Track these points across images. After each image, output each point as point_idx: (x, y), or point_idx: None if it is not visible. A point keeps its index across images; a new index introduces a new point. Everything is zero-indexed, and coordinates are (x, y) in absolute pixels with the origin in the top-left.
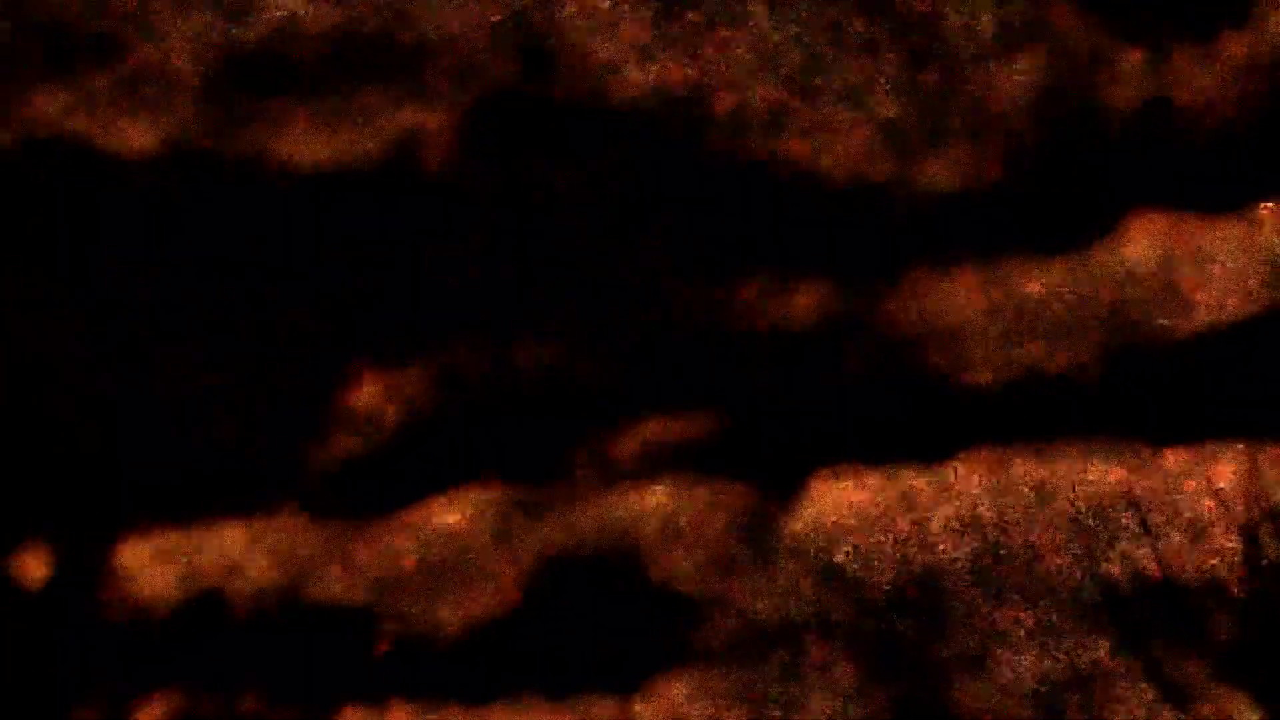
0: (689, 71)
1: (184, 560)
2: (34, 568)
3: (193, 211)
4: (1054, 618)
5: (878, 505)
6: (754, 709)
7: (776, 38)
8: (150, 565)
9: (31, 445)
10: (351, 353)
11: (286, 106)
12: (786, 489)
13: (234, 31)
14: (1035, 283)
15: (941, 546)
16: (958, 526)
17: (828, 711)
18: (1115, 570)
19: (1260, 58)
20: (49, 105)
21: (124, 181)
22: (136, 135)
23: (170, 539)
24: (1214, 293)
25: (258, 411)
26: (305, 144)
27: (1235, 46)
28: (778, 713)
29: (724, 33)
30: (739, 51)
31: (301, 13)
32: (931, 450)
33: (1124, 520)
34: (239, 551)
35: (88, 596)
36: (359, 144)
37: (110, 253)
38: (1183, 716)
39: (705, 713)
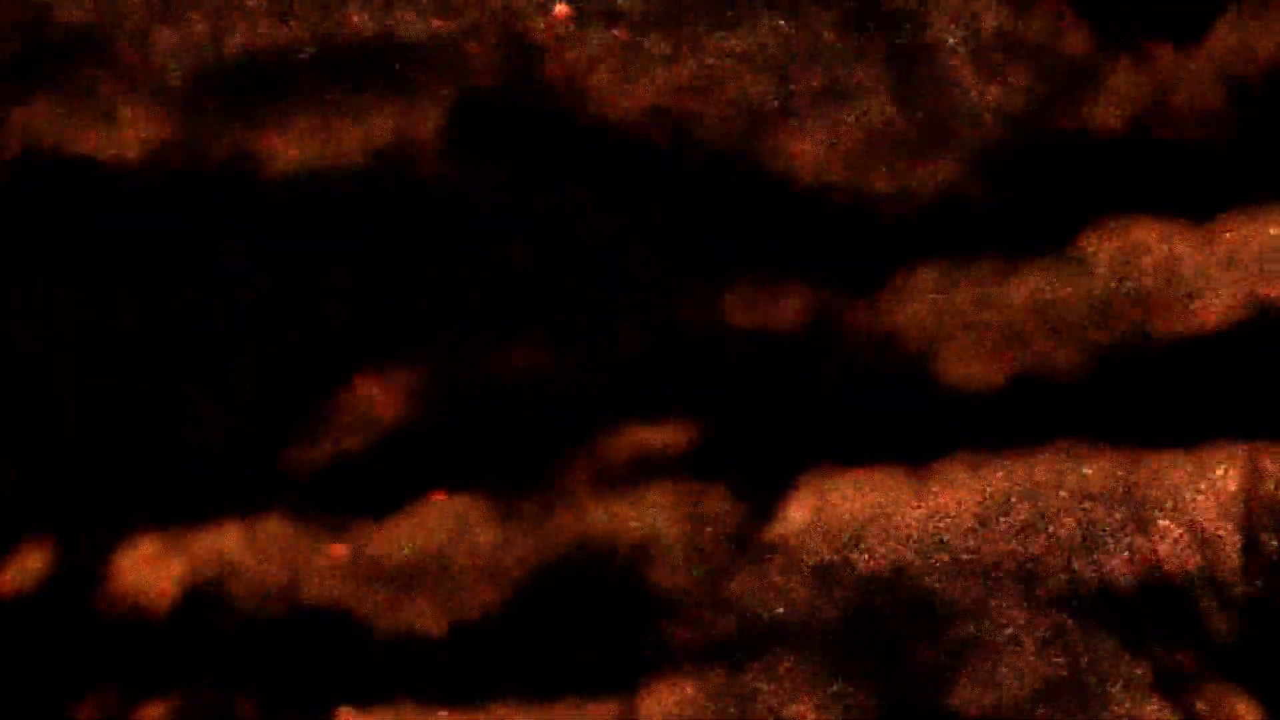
0: (678, 75)
1: (182, 561)
2: (33, 568)
3: (186, 214)
4: (1050, 618)
5: (868, 507)
6: (746, 711)
7: (766, 46)
8: (149, 566)
9: (30, 446)
10: (345, 355)
11: (275, 111)
12: (775, 492)
13: (221, 36)
14: (1028, 285)
15: (934, 548)
16: (950, 528)
17: (820, 713)
18: (1112, 570)
19: (1244, 62)
20: (33, 110)
21: (116, 184)
22: (131, 137)
23: (169, 540)
24: (1209, 295)
25: (254, 413)
26: (294, 148)
27: (1218, 51)
28: (770, 715)
29: (713, 40)
30: (728, 58)
31: (287, 18)
32: (923, 452)
33: (1121, 520)
34: (237, 552)
35: (86, 597)
36: (347, 149)
37: (108, 254)
38: (1181, 716)
39: (698, 714)
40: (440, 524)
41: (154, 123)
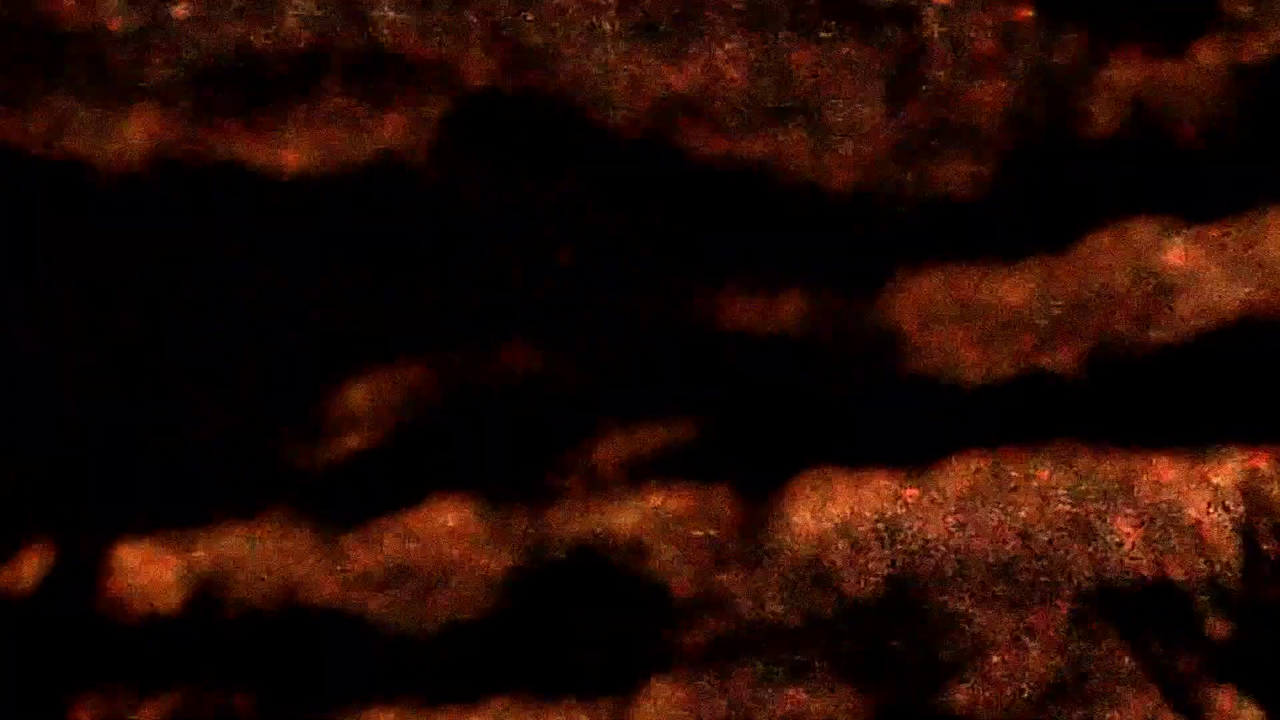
0: (675, 79)
1: (181, 561)
2: (32, 569)
3: (186, 214)
4: (1049, 619)
5: (867, 508)
6: (743, 711)
7: (766, 51)
8: (148, 566)
9: (30, 446)
10: (345, 355)
11: (275, 113)
12: (774, 493)
13: (216, 40)
14: (1025, 286)
15: (932, 549)
16: (948, 529)
17: (818, 714)
18: (1111, 571)
19: (1234, 64)
20: (33, 111)
21: (116, 184)
22: (131, 137)
23: (168, 540)
24: (1208, 295)
25: (252, 414)
26: (294, 149)
27: (1209, 54)
28: (767, 715)
29: (711, 42)
30: (726, 60)
31: (283, 20)
32: (921, 452)
33: (1120, 521)
34: (236, 553)
35: (86, 597)
36: (348, 150)
37: (108, 254)
38: (1180, 716)
39: (695, 714)
40: (440, 523)
41: (154, 124)
